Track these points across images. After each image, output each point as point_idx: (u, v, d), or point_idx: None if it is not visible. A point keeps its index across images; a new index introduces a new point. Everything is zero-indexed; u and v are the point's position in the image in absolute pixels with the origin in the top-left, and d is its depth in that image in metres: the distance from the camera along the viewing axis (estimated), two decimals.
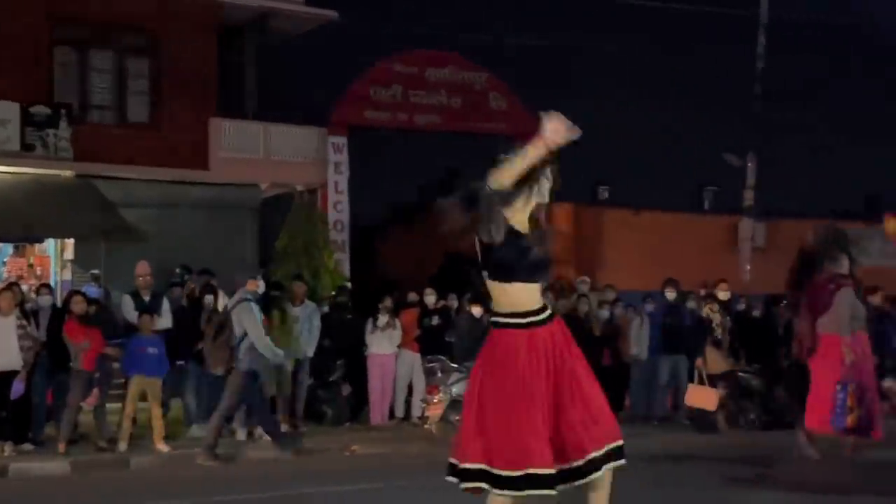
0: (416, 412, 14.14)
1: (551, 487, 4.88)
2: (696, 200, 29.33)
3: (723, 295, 14.29)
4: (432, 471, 5.60)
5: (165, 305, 12.75)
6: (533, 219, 5.12)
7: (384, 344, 14.24)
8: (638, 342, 14.91)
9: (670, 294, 14.91)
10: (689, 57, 30.26)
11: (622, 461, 5.02)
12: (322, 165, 21.08)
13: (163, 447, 11.75)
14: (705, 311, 14.08)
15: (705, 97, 29.92)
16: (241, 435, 12.61)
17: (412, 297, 15.26)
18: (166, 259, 15.90)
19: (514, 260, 4.98)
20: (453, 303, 15.19)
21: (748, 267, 24.10)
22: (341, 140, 21.34)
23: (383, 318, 14.14)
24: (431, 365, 13.33)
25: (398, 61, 22.16)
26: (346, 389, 14.32)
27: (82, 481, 10.48)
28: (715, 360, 13.83)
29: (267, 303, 13.59)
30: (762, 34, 24.22)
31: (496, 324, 5.12)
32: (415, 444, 12.50)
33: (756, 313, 15.61)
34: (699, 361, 13.69)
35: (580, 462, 4.97)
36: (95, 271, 17.05)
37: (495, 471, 4.88)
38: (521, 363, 4.97)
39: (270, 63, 22.52)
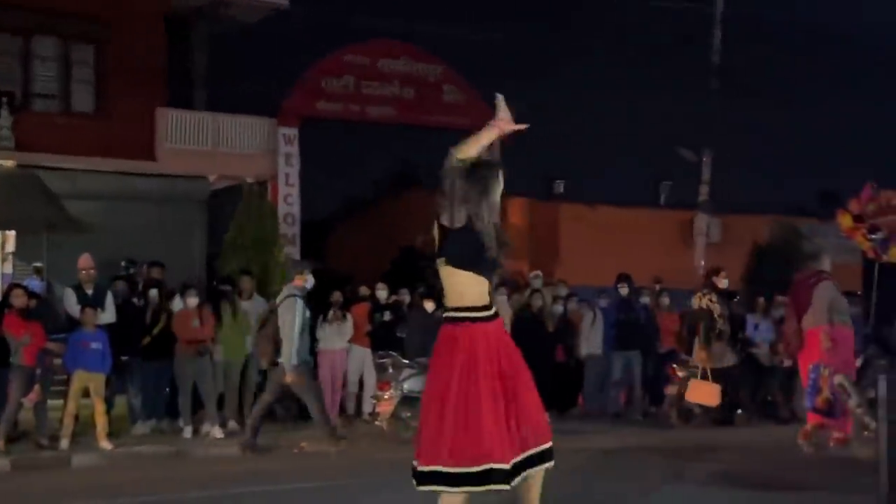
0: (366, 409, 14.11)
1: (507, 483, 4.98)
2: (651, 195, 29.57)
3: (722, 284, 13.81)
4: (382, 468, 5.60)
5: (109, 299, 12.62)
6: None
7: (334, 339, 14.20)
8: (590, 338, 15.00)
9: (623, 290, 15.01)
10: (646, 51, 30.42)
11: (551, 463, 5.21)
12: (272, 157, 20.98)
13: (106, 445, 11.62)
14: (703, 302, 13.49)
15: (661, 91, 30.12)
16: (187, 433, 12.51)
17: (363, 291, 15.24)
18: (111, 252, 15.74)
19: (473, 247, 5.09)
20: (405, 298, 15.18)
21: (703, 262, 24.33)
22: (292, 131, 21.25)
23: (334, 313, 14.11)
24: (383, 361, 13.29)
25: (351, 52, 22.09)
26: None
27: (22, 480, 10.34)
28: (718, 354, 13.46)
29: (216, 298, 13.56)
30: (718, 28, 24.44)
31: (451, 319, 5.20)
32: (365, 442, 12.49)
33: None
34: (702, 355, 13.25)
35: (520, 458, 5.09)
36: (38, 264, 16.83)
37: (452, 469, 4.95)
38: (479, 358, 5.07)
39: (220, 52, 22.38)
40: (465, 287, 5.15)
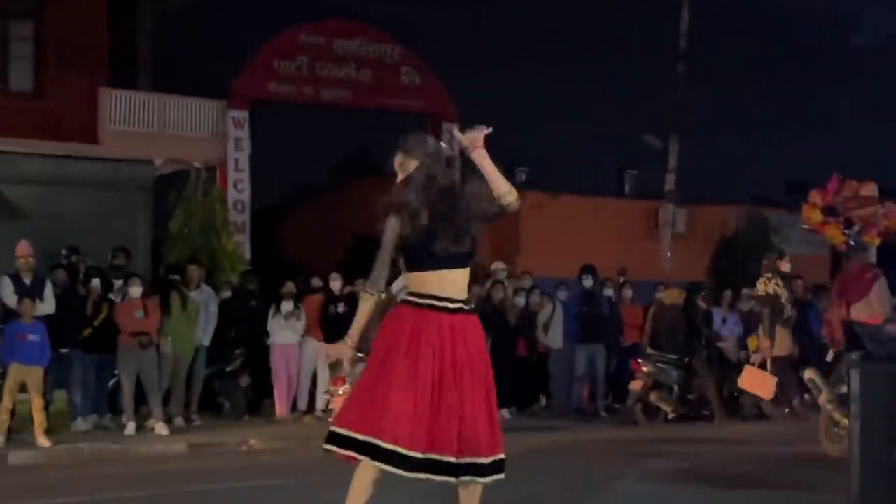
0: (320, 405, 14.02)
1: (407, 470, 5.13)
2: (616, 184, 29.67)
3: (786, 268, 13.49)
4: (336, 467, 5.54)
5: (48, 289, 12.39)
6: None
7: (287, 333, 14.09)
8: (550, 331, 15.01)
9: (587, 282, 15.03)
10: (612, 34, 30.50)
11: (500, 475, 5.30)
12: (221, 141, 20.76)
13: (44, 442, 11.44)
14: (770, 287, 13.08)
15: (627, 77, 30.24)
16: (130, 429, 12.36)
17: (317, 282, 15.12)
18: (51, 240, 15.46)
19: (423, 250, 5.33)
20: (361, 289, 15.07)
21: (668, 253, 24.46)
22: (242, 114, 21.03)
23: (286, 305, 13.99)
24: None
25: (304, 31, 21.91)
26: (244, 380, 14.16)
27: None
28: (783, 342, 13.23)
29: (163, 287, 13.41)
30: (686, 11, 24.53)
31: (407, 301, 5.38)
32: (317, 439, 12.39)
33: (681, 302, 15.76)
34: (766, 343, 12.93)
35: (452, 459, 5.18)
36: None
37: (356, 435, 5.17)
38: (419, 341, 5.25)
39: (167, 30, 22.11)
40: (424, 281, 5.36)
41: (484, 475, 5.25)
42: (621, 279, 16.82)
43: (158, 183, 20.67)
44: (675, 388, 14.37)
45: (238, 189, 20.82)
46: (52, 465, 10.89)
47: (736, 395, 15.13)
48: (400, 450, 5.11)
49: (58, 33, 19.32)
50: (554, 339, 15.00)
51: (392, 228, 5.36)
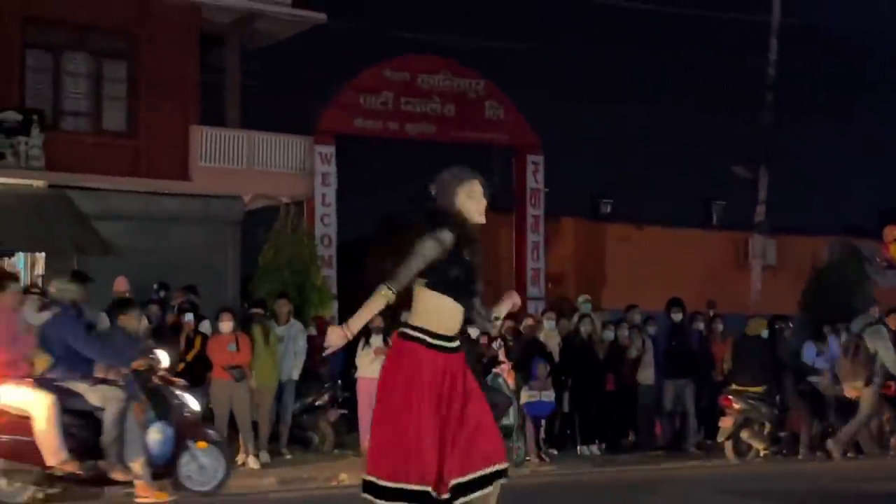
0: None
1: None
2: (703, 215, 29.43)
3: None
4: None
5: (144, 324, 12.71)
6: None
7: (375, 367, 14.18)
8: (639, 367, 14.92)
9: (676, 315, 14.93)
10: (698, 64, 30.34)
11: (488, 489, 5.39)
12: (308, 177, 21.08)
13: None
14: None
15: (714, 107, 29.99)
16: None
17: (405, 316, 15.19)
18: (143, 275, 15.86)
19: (463, 275, 5.46)
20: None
21: (759, 286, 24.16)
22: (329, 150, 21.34)
23: (376, 339, 14.10)
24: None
25: (389, 67, 22.18)
26: (333, 415, 14.30)
27: None
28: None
29: (248, 322, 13.64)
30: (774, 40, 24.34)
31: (410, 337, 5.50)
32: None
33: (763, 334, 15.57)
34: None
35: (462, 480, 5.34)
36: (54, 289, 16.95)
37: (381, 482, 5.33)
38: (425, 381, 5.39)
39: (254, 68, 22.54)
40: (443, 313, 5.47)
41: (490, 483, 5.41)
42: (711, 312, 16.67)
43: (247, 218, 21.04)
44: (767, 424, 14.15)
45: (325, 223, 21.10)
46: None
47: (829, 430, 14.87)
48: (427, 489, 5.29)
49: (150, 72, 19.82)
50: (644, 373, 14.91)
51: (441, 242, 5.42)
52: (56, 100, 19.44)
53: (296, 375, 13.80)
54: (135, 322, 10.82)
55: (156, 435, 9.82)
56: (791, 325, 15.64)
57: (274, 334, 13.51)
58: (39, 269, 18.56)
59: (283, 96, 23.68)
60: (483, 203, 5.64)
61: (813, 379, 15.13)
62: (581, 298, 16.25)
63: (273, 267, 17.72)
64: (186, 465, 9.99)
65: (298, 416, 14.10)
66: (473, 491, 5.36)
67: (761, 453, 13.99)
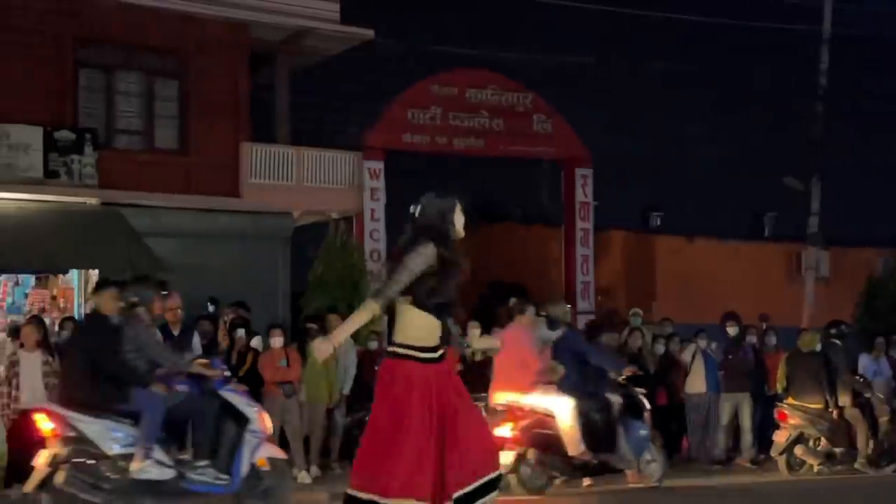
0: None
1: None
2: (754, 227, 29.18)
3: None
4: None
5: (196, 340, 12.81)
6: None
7: None
8: (692, 380, 14.80)
9: (731, 329, 14.80)
10: (747, 74, 30.12)
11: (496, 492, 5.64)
12: (358, 192, 21.19)
13: None
14: None
15: (764, 117, 29.76)
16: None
17: (454, 330, 15.19)
18: (194, 292, 15.97)
19: (446, 294, 5.73)
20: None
21: (812, 298, 23.89)
22: (378, 165, 21.44)
23: None
24: (476, 403, 13.21)
25: (437, 82, 22.27)
26: None
27: None
28: None
29: (301, 337, 13.72)
30: (825, 50, 24.12)
31: (395, 354, 5.69)
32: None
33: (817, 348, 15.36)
34: None
35: (460, 493, 5.52)
36: (120, 304, 17.15)
37: (384, 500, 5.51)
38: (414, 396, 5.58)
39: (303, 85, 22.71)
40: (423, 326, 5.67)
41: (485, 494, 5.58)
42: (764, 326, 16.52)
43: (297, 234, 21.18)
44: (822, 439, 13.94)
45: (374, 238, 21.18)
46: None
47: (886, 446, 14.65)
48: (411, 501, 5.46)
49: (200, 91, 20.02)
50: (695, 386, 14.79)
51: (428, 257, 5.63)
52: (109, 118, 19.67)
53: (347, 390, 13.86)
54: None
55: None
56: (845, 328, 15.37)
57: None
58: (92, 286, 18.78)
59: (331, 112, 23.81)
60: (462, 219, 5.99)
61: (868, 393, 14.92)
62: (632, 311, 16.18)
63: (323, 282, 17.84)
64: None
65: (349, 431, 14.13)
66: (475, 500, 5.56)
67: (815, 468, 13.80)
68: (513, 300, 13.78)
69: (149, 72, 20.14)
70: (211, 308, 15.52)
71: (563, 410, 11.10)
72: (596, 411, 11.37)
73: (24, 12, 18.47)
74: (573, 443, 11.05)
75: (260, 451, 9.72)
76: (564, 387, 11.24)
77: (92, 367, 9.28)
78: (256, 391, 12.86)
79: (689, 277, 24.87)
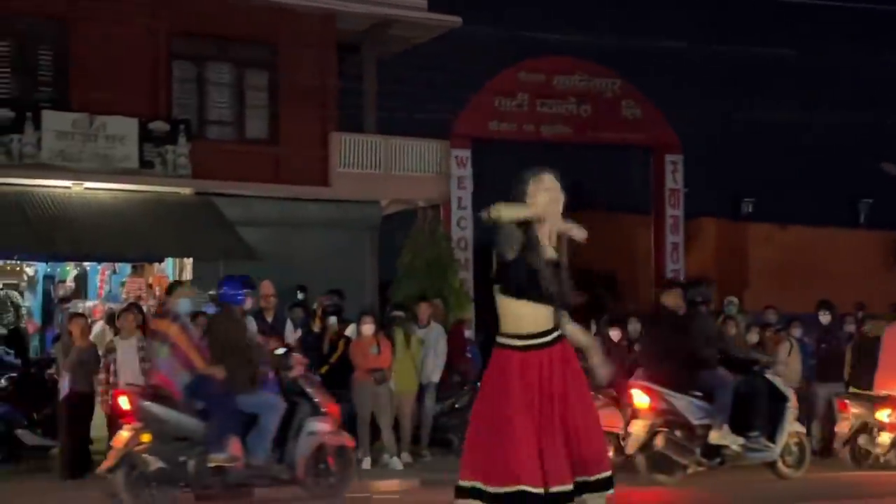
0: None
1: None
2: (849, 214, 28.65)
3: None
4: None
5: (289, 327, 13.03)
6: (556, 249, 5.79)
7: None
8: (787, 370, 14.57)
9: (825, 317, 14.56)
10: (843, 59, 29.52)
11: (610, 491, 5.57)
12: (445, 180, 21.28)
13: None
14: None
15: (861, 102, 29.17)
16: (366, 464, 12.74)
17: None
18: (283, 280, 16.21)
19: (525, 278, 5.57)
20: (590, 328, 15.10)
21: None
22: (465, 153, 21.51)
23: None
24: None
25: (524, 69, 22.24)
26: None
27: None
28: None
29: (389, 324, 13.84)
30: None
31: (498, 344, 5.67)
32: None
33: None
34: None
35: (565, 487, 5.45)
36: (213, 292, 17.48)
37: (489, 488, 5.45)
38: (514, 385, 5.52)
39: (390, 73, 22.84)
40: (520, 314, 5.60)
41: (595, 491, 5.52)
42: (860, 314, 16.20)
43: (385, 223, 21.35)
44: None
45: (461, 227, 21.25)
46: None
47: None
48: (525, 488, 5.38)
49: (289, 81, 20.30)
50: (790, 377, 14.58)
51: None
52: (201, 109, 20.05)
53: (436, 378, 13.93)
54: None
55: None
56: None
57: (415, 337, 13.68)
58: (187, 274, 19.17)
59: (418, 101, 23.93)
60: (558, 193, 5.82)
61: None
62: (727, 300, 15.99)
63: (411, 270, 17.96)
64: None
65: (439, 418, 14.22)
66: (577, 495, 5.52)
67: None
68: None
69: (239, 63, 20.48)
70: (300, 296, 15.71)
71: None
72: None
73: (119, 5, 18.90)
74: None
75: None
76: None
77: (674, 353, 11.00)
78: (347, 378, 13.06)
79: (781, 265, 24.52)
